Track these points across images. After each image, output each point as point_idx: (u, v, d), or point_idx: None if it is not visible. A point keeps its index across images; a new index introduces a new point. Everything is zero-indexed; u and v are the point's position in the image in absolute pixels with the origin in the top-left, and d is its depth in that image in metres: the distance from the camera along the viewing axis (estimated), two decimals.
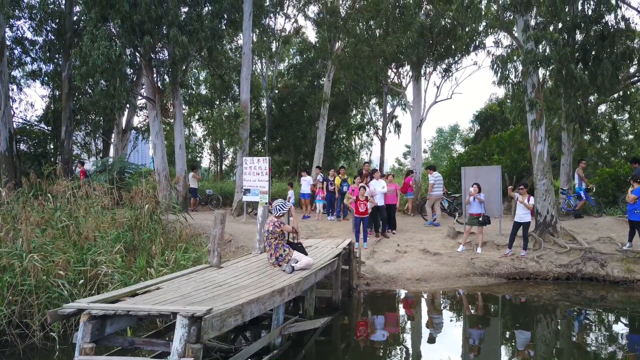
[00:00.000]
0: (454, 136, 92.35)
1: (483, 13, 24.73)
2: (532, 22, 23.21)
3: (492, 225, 23.47)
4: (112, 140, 42.71)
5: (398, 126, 47.58)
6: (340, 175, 29.52)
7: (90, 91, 36.18)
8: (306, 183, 30.88)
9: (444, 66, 35.42)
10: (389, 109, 47.42)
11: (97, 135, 46.87)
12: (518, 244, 21.57)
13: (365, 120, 58.53)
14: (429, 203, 28.75)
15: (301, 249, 14.63)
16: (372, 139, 62.50)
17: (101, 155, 45.34)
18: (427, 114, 34.84)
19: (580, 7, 23.35)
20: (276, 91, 50.05)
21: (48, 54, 39.77)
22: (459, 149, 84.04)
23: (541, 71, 23.35)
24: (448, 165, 44.81)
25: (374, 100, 55.24)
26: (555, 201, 23.42)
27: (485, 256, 21.31)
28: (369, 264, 20.34)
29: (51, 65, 40.96)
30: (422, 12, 32.60)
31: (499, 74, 22.79)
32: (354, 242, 19.60)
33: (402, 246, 22.50)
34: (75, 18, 36.00)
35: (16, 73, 41.97)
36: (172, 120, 40.24)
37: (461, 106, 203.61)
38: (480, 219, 21.84)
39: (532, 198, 21.29)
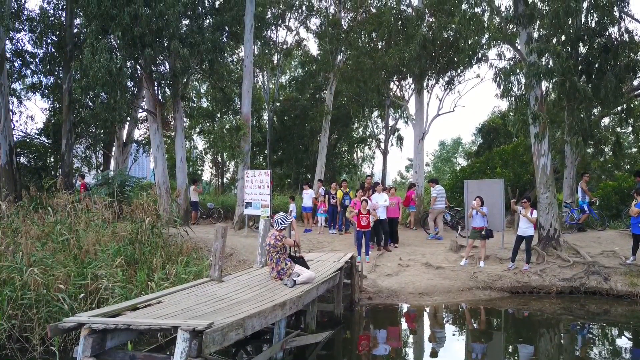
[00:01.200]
0: (457, 149, 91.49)
1: (486, 25, 24.73)
2: (535, 35, 23.14)
3: (494, 239, 23.07)
4: (113, 153, 42.61)
5: (400, 139, 47.24)
6: (342, 188, 29.27)
7: (90, 104, 36.04)
8: (308, 196, 30.70)
9: (446, 79, 35.35)
10: (391, 122, 47.42)
11: (98, 149, 46.78)
12: (521, 258, 21.32)
13: (368, 133, 58.08)
14: (431, 216, 28.30)
15: (303, 263, 14.51)
16: (374, 152, 62.32)
17: (102, 168, 45.25)
18: (429, 127, 35.01)
19: (583, 20, 23.30)
20: (278, 104, 50.00)
21: (48, 67, 39.66)
22: (461, 162, 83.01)
23: (544, 84, 23.17)
24: (451, 178, 44.70)
25: (376, 113, 54.68)
26: (558, 214, 23.13)
27: (488, 270, 21.08)
28: (371, 277, 20.14)
29: (51, 77, 40.86)
30: (425, 24, 32.56)
31: (501, 87, 22.81)
32: (356, 256, 19.44)
33: (405, 260, 22.31)
34: (75, 30, 35.99)
35: (16, 86, 41.89)
36: (173, 133, 40.17)
37: (464, 119, 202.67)
38: (483, 232, 21.58)
39: (535, 211, 20.99)
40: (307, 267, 14.45)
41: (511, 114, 37.86)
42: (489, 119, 57.25)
